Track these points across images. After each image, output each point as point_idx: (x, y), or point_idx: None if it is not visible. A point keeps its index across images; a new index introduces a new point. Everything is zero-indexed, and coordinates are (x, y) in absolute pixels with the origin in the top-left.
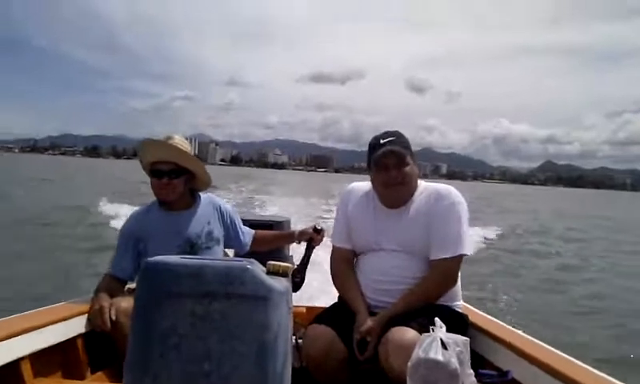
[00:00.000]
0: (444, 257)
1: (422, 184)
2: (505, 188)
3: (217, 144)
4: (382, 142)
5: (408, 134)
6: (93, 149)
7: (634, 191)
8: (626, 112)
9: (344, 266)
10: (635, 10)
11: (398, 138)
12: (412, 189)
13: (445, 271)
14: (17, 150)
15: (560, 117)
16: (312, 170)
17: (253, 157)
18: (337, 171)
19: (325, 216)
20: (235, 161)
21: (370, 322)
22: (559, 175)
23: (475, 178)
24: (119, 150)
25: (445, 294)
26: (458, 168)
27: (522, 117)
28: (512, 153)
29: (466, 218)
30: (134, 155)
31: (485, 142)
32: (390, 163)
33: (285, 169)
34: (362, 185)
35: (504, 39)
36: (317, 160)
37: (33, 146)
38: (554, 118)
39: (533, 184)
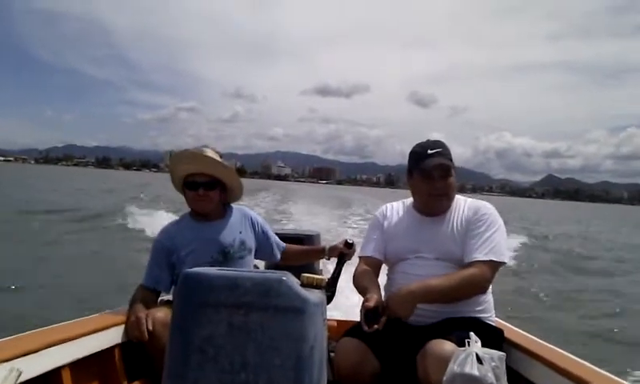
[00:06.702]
0: (477, 259)
1: (459, 197)
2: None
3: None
4: (429, 152)
5: (409, 145)
6: (103, 160)
7: (631, 205)
8: (630, 126)
9: (368, 268)
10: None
11: (444, 149)
12: (452, 199)
13: (475, 273)
14: (32, 162)
15: (563, 131)
16: (314, 182)
17: (257, 169)
18: (339, 183)
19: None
20: (240, 173)
21: (375, 297)
22: (557, 189)
23: (474, 190)
24: (128, 161)
25: (471, 297)
26: (460, 181)
27: (524, 131)
28: (515, 166)
29: (503, 229)
30: (143, 166)
31: (487, 155)
32: (437, 174)
33: (287, 180)
34: (395, 203)
35: (507, 55)
36: (319, 172)
37: (46, 157)
38: (557, 133)
39: (531, 197)
